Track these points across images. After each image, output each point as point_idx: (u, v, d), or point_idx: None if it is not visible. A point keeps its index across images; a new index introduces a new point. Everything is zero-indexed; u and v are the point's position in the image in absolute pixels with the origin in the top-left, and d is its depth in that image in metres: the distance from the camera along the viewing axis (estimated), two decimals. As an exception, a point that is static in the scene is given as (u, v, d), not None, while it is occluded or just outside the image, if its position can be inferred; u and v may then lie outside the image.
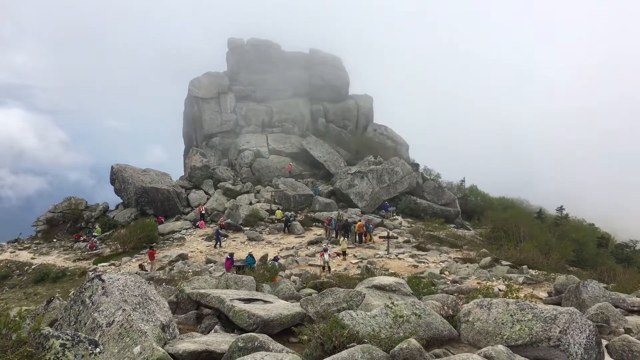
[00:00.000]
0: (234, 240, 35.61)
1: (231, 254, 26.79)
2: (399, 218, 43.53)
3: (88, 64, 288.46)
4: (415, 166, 56.15)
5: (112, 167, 47.71)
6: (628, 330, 11.21)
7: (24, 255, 36.12)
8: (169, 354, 6.50)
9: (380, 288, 11.47)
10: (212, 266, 28.14)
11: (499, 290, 18.72)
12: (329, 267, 25.75)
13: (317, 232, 37.65)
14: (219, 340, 7.51)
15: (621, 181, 74.75)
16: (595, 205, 62.76)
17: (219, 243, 33.87)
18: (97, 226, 42.05)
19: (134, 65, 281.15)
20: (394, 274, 21.15)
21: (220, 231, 35.49)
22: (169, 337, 7.43)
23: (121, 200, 47.54)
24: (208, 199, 46.62)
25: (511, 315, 7.63)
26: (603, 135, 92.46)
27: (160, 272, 27.31)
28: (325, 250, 27.76)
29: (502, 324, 7.61)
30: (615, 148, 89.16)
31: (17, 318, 6.82)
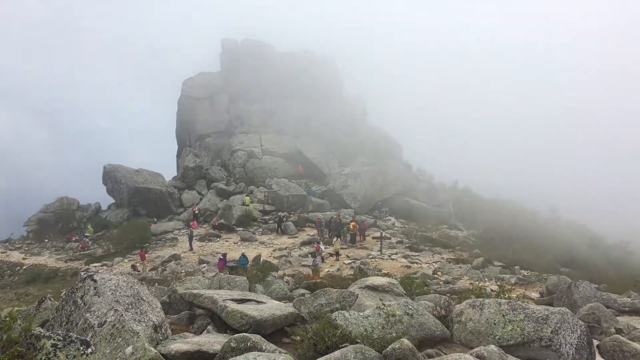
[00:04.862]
0: (227, 241, 35.54)
1: (224, 255, 26.76)
2: (392, 219, 43.59)
3: (77, 63, 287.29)
4: (409, 167, 56.20)
5: (104, 167, 47.50)
6: (619, 331, 11.28)
7: (15, 256, 35.89)
8: (162, 354, 6.48)
9: (373, 288, 11.49)
10: (204, 266, 28.09)
11: (492, 290, 18.79)
12: (317, 271, 24.05)
13: (311, 232, 37.63)
14: (212, 340, 7.50)
15: (615, 183, 75.22)
16: (588, 206, 63.10)
17: (190, 245, 33.87)
18: (89, 226, 41.85)
19: (124, 64, 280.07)
20: (387, 275, 21.18)
21: (194, 233, 35.57)
22: (161, 338, 7.41)
23: (113, 200, 47.38)
24: (201, 199, 46.51)
25: (503, 316, 7.66)
26: (598, 136, 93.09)
27: (153, 272, 27.23)
28: (319, 242, 28.07)
29: (494, 324, 7.64)
30: (611, 150, 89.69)
31: (8, 318, 6.77)
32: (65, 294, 7.95)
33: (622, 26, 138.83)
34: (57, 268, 31.92)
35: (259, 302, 10.09)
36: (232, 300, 9.75)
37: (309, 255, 28.95)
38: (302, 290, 15.47)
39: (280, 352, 6.55)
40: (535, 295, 20.35)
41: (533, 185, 70.45)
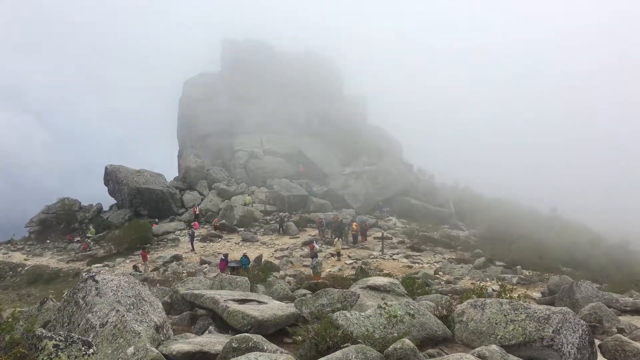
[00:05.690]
0: (229, 241, 35.57)
1: (225, 255, 26.79)
2: (394, 219, 43.58)
3: (77, 63, 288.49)
4: (410, 167, 56.20)
5: (105, 168, 47.56)
6: (621, 330, 11.28)
7: (17, 257, 35.94)
8: (163, 354, 6.49)
9: (375, 288, 11.50)
10: (206, 267, 28.10)
11: (493, 290, 18.79)
12: (317, 272, 23.33)
13: (312, 232, 37.66)
14: (213, 340, 7.50)
15: (616, 181, 75.13)
16: (589, 205, 63.03)
17: (192, 246, 34.01)
18: (90, 227, 41.90)
19: (125, 65, 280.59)
20: (388, 275, 21.14)
21: (195, 233, 35.80)
22: (162, 338, 7.41)
23: (115, 201, 47.42)
24: (202, 199, 46.52)
25: (505, 315, 7.65)
26: (599, 135, 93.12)
27: (155, 273, 27.24)
28: (312, 241, 28.12)
29: (496, 324, 7.63)
30: (611, 148, 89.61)
31: (10, 319, 6.79)
32: (67, 294, 7.95)
33: (621, 22, 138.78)
34: (59, 269, 31.95)
35: (260, 303, 10.09)
36: (234, 300, 9.75)
37: (310, 256, 29.06)
38: (304, 291, 15.47)
39: (281, 352, 6.55)
40: (536, 295, 20.34)
41: (534, 184, 70.38)
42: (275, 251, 32.19)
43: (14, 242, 41.09)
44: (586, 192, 69.99)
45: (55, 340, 5.77)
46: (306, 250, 31.67)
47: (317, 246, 29.13)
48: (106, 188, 47.92)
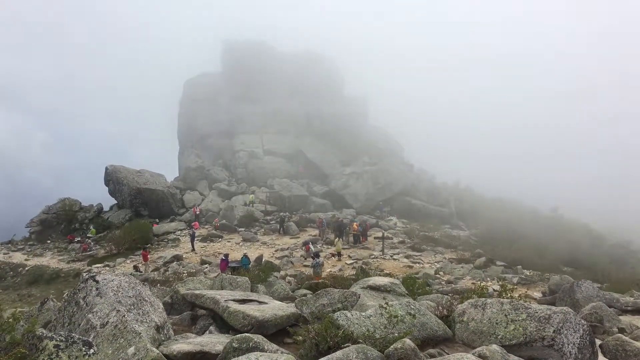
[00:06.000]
0: (229, 241, 35.57)
1: (226, 255, 26.80)
2: (394, 219, 43.57)
3: (77, 63, 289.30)
4: (410, 167, 56.17)
5: (106, 168, 47.55)
6: (622, 330, 11.26)
7: (18, 257, 35.92)
8: (164, 354, 6.48)
9: (375, 288, 11.49)
10: (207, 267, 28.11)
11: (494, 290, 18.79)
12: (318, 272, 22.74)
13: (312, 232, 37.67)
14: (214, 341, 7.49)
15: (617, 181, 75.11)
16: (590, 205, 63.01)
17: (192, 246, 34.09)
18: (91, 227, 41.89)
19: (126, 65, 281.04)
20: (389, 275, 21.16)
21: (195, 233, 35.91)
22: (163, 338, 7.40)
23: (115, 201, 47.40)
24: (203, 199, 46.54)
25: (505, 315, 7.64)
26: (600, 135, 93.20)
27: (155, 273, 27.23)
28: (308, 243, 28.22)
29: (497, 323, 7.61)
30: (613, 148, 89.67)
31: (10, 319, 6.79)
32: (67, 294, 7.95)
33: (623, 29, 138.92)
34: (60, 269, 31.92)
35: (261, 303, 10.08)
36: (234, 300, 9.74)
37: (311, 256, 29.09)
38: (304, 291, 15.48)
39: (282, 352, 6.54)
40: (537, 294, 20.33)
41: (535, 184, 70.41)
42: (275, 251, 32.19)
43: (15, 242, 41.07)
44: (588, 191, 70.03)
45: (56, 340, 5.77)
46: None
47: (312, 247, 29.16)
48: (106, 188, 47.92)
